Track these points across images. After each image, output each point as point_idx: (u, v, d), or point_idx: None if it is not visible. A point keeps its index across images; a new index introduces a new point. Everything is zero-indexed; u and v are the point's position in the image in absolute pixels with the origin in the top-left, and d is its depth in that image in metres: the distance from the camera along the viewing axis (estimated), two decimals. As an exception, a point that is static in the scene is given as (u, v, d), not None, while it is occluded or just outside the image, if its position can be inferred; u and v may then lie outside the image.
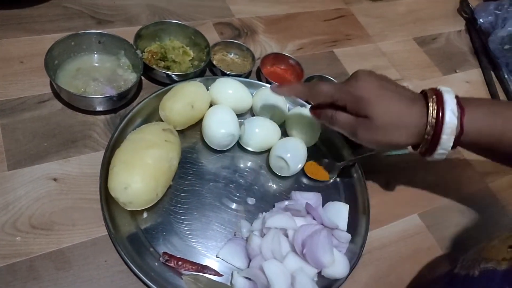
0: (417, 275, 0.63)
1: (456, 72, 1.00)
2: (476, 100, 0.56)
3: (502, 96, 0.97)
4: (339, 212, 0.63)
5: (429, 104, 0.54)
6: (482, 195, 0.77)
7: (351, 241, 0.60)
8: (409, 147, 0.59)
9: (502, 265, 0.44)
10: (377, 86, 0.55)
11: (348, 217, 0.63)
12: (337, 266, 0.55)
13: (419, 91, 0.59)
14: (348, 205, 0.64)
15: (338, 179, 0.69)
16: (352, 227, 0.63)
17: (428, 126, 0.53)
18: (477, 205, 0.75)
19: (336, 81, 0.79)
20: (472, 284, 0.46)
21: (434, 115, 0.53)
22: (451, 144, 0.54)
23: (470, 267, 0.48)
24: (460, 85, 0.97)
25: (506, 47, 0.98)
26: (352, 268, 0.58)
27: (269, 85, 0.74)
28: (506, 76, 1.00)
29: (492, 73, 1.01)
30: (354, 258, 0.59)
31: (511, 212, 0.76)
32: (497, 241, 0.49)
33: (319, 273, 0.56)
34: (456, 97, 0.54)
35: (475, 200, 0.75)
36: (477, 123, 0.53)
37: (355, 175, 0.69)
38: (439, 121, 0.53)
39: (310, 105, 0.64)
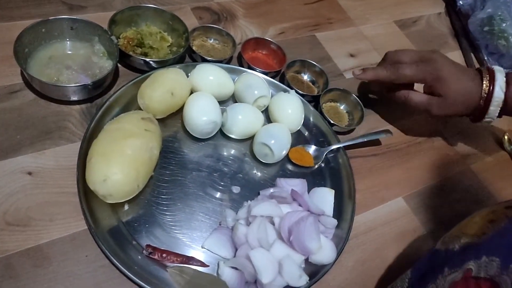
0: (402, 257, 0.63)
1: (437, 54, 1.00)
2: None
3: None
4: (324, 197, 0.63)
5: (483, 82, 0.66)
6: (465, 176, 0.78)
7: (337, 226, 0.60)
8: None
9: (481, 239, 0.45)
10: (452, 68, 0.67)
11: (334, 203, 0.63)
12: (324, 252, 0.55)
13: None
14: (333, 191, 0.64)
15: (323, 165, 0.68)
16: (338, 213, 0.62)
17: (481, 100, 0.66)
18: (460, 186, 0.76)
19: (318, 65, 0.78)
20: (452, 258, 0.46)
21: (486, 90, 0.65)
22: (497, 115, 0.67)
23: (450, 242, 0.48)
24: (441, 67, 0.97)
25: (486, 29, 0.98)
26: (339, 254, 0.57)
27: (250, 71, 0.73)
28: (485, 58, 1.00)
29: (472, 55, 1.02)
30: (341, 243, 0.59)
31: (493, 191, 0.77)
32: (478, 217, 0.50)
33: (306, 260, 0.55)
34: (507, 74, 0.66)
35: (457, 181, 0.76)
36: None
37: (340, 160, 0.69)
38: (489, 95, 0.65)
39: (385, 90, 0.73)
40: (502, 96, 0.65)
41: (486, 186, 0.77)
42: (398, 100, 0.72)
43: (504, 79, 0.65)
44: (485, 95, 0.66)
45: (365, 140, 0.72)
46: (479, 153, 0.82)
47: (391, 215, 0.67)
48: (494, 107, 0.66)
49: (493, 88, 0.65)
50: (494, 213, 0.48)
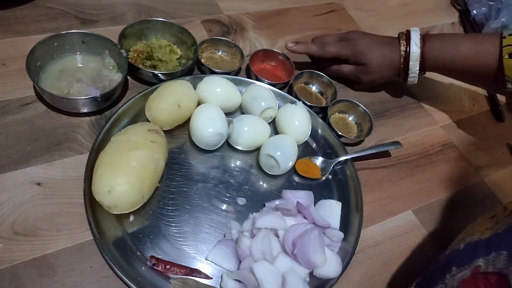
0: (411, 271, 0.61)
1: (450, 64, 0.98)
2: (437, 34, 0.75)
3: (497, 88, 0.96)
4: (331, 210, 0.62)
5: (400, 42, 0.75)
6: (478, 189, 0.76)
7: (344, 239, 0.59)
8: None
9: (485, 234, 0.45)
10: (367, 40, 0.77)
11: (341, 215, 0.62)
12: (329, 265, 0.54)
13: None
14: (340, 203, 0.63)
15: (330, 177, 0.67)
16: (345, 225, 0.61)
17: (401, 58, 0.74)
18: (473, 199, 0.74)
19: (326, 76, 0.78)
20: (457, 257, 0.46)
21: (404, 49, 0.74)
22: (417, 68, 0.74)
23: (455, 245, 0.48)
24: (454, 78, 0.95)
25: (500, 38, 0.96)
26: (345, 267, 0.56)
27: (258, 82, 0.73)
28: (500, 68, 0.98)
29: (487, 65, 1.00)
30: (347, 256, 0.58)
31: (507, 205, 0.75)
32: (481, 219, 0.50)
33: (311, 273, 0.54)
34: (425, 34, 0.74)
35: (470, 194, 0.74)
36: (434, 50, 0.73)
37: (348, 172, 0.68)
38: (407, 53, 0.73)
39: (320, 67, 0.82)
40: (418, 51, 0.73)
41: (501, 199, 0.75)
42: (332, 74, 0.80)
43: (419, 36, 0.73)
44: (404, 53, 0.74)
45: (374, 151, 0.71)
46: (493, 166, 0.80)
47: (400, 229, 0.66)
48: (413, 62, 0.73)
49: (409, 45, 0.73)
50: (495, 211, 0.49)
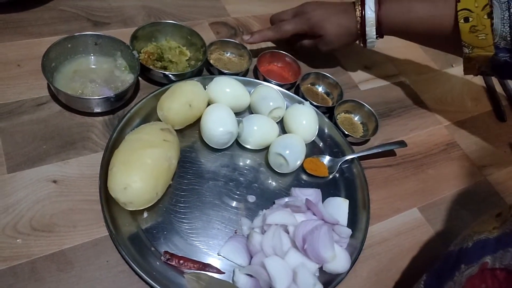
0: (417, 267, 0.63)
1: (452, 66, 1.00)
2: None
3: (498, 88, 0.98)
4: (339, 207, 0.63)
5: (356, 7, 0.74)
6: (481, 188, 0.77)
7: (352, 236, 0.60)
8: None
9: (493, 233, 0.46)
10: (322, 12, 0.76)
11: (348, 213, 0.63)
12: (338, 261, 0.56)
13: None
14: (348, 201, 0.64)
15: (337, 175, 0.69)
16: (352, 222, 0.63)
17: (357, 24, 0.74)
18: (476, 198, 0.75)
19: (332, 77, 0.79)
20: (466, 255, 0.47)
21: (359, 14, 0.73)
22: (374, 33, 0.74)
23: (463, 242, 0.49)
24: (457, 79, 0.97)
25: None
26: (353, 263, 0.58)
27: (266, 83, 0.75)
28: (502, 69, 1.00)
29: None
30: (355, 252, 0.59)
31: (510, 202, 0.76)
32: (487, 216, 0.51)
33: (321, 268, 0.56)
34: None
35: (474, 192, 0.76)
36: (390, 15, 0.72)
37: (354, 170, 0.69)
38: (362, 18, 0.73)
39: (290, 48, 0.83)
40: (373, 15, 0.72)
41: (503, 197, 0.77)
42: (296, 49, 0.82)
43: (374, 0, 0.72)
44: (359, 19, 0.73)
45: (380, 150, 0.72)
46: (496, 164, 0.81)
47: (406, 226, 0.67)
48: (369, 27, 0.73)
49: (364, 10, 0.72)
50: (500, 209, 0.50)
